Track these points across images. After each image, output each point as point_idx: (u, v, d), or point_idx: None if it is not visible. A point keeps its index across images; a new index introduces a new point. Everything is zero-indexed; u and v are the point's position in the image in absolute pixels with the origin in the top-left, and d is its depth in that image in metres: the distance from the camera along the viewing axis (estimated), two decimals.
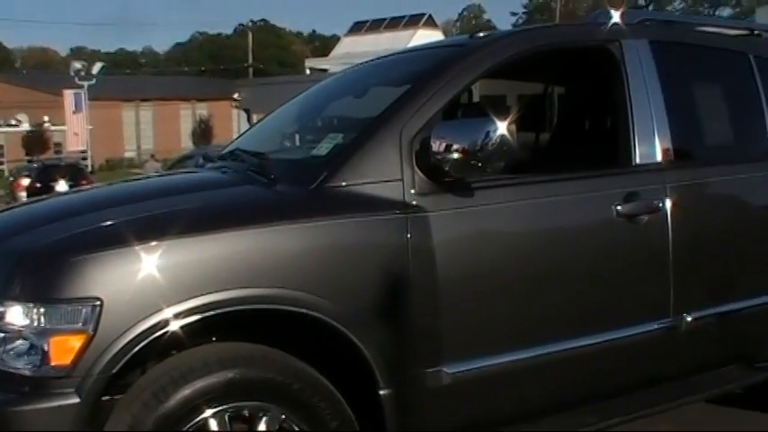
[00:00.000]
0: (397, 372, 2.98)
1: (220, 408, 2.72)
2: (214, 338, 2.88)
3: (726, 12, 66.30)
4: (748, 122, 4.40)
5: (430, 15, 41.71)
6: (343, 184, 3.04)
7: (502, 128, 3.04)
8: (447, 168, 3.03)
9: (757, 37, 4.66)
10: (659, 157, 3.69)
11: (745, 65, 4.33)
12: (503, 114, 3.17)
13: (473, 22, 75.48)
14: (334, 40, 53.58)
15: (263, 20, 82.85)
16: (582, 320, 3.48)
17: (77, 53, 77.92)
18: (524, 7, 72.64)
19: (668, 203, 3.61)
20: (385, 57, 4.66)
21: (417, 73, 3.59)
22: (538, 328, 3.35)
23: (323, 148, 3.42)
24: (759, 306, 4.03)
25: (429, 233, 3.03)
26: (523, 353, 3.27)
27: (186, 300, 2.66)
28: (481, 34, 3.76)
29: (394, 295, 2.99)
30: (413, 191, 3.06)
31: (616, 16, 3.86)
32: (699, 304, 3.78)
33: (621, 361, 3.61)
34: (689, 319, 3.69)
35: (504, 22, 72.46)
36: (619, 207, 3.48)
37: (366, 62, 4.66)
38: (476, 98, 4.27)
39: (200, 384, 2.68)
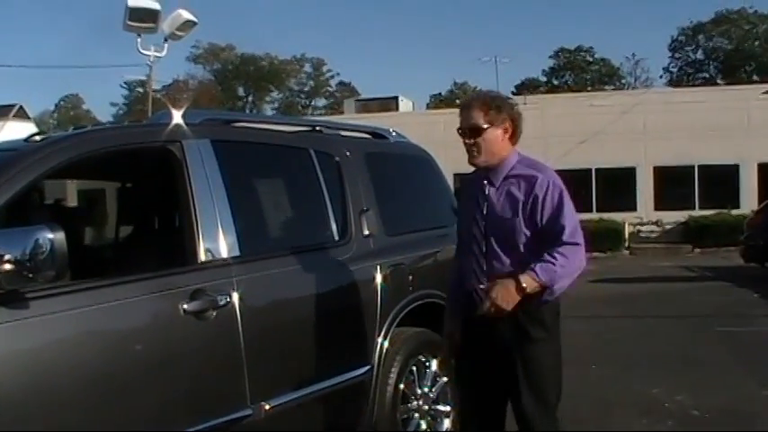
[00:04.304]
0: None
1: None
2: None
3: (321, 102, 71.49)
4: (311, 213, 4.68)
5: (21, 106, 39.41)
6: None
7: (53, 234, 2.93)
8: None
9: (318, 133, 5.01)
10: (225, 253, 3.79)
11: (306, 159, 4.62)
12: (59, 219, 3.06)
13: (71, 113, 72.85)
14: None
15: None
16: (157, 422, 3.42)
17: None
18: (125, 98, 71.78)
19: (236, 297, 3.70)
20: None
21: None
22: None
23: None
24: (331, 387, 4.26)
25: None
26: None
27: None
28: (37, 138, 3.59)
29: None
30: None
31: (177, 117, 3.90)
32: (275, 391, 3.90)
33: None
34: (267, 407, 3.80)
35: (105, 113, 70.92)
36: (185, 305, 3.50)
37: None
38: (43, 201, 4.10)
39: None
